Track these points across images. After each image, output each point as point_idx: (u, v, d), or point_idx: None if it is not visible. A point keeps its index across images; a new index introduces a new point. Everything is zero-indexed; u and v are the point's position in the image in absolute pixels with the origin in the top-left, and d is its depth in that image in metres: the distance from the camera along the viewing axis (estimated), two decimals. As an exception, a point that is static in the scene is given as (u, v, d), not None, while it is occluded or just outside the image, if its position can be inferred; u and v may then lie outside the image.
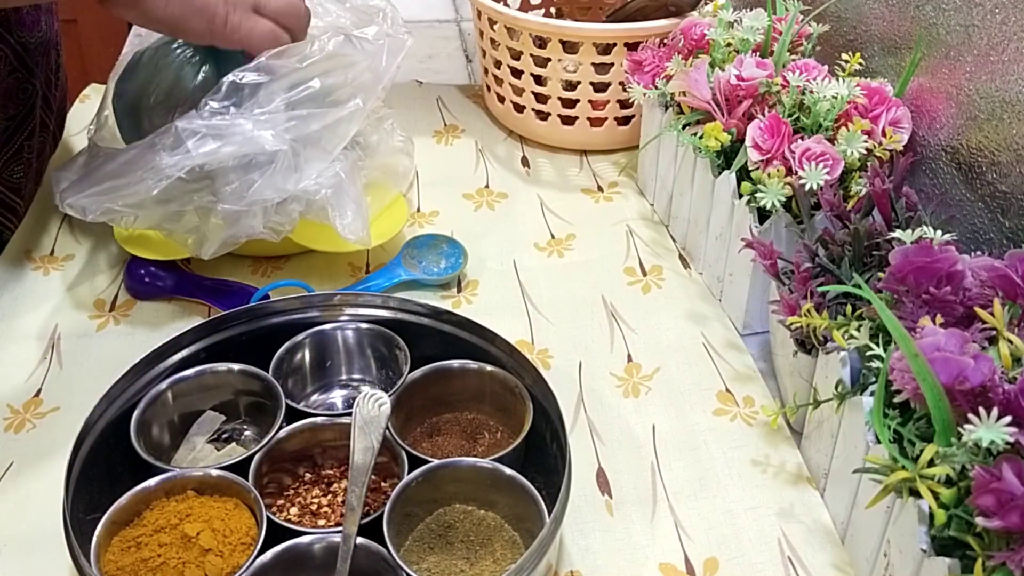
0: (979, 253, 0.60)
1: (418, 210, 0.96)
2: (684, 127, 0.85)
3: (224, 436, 0.68)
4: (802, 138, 0.75)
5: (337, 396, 0.73)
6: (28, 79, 0.90)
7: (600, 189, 1.01)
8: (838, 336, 0.61)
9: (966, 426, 0.48)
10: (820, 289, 0.65)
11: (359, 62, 0.76)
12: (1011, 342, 0.53)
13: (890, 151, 0.77)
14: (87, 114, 1.07)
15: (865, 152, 0.75)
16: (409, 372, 0.68)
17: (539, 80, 1.02)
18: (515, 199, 0.99)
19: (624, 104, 1.02)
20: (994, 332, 0.54)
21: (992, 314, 0.54)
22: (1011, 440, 0.47)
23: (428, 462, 0.61)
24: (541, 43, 1.00)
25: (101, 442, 0.62)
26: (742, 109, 0.81)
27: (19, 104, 0.89)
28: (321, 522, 0.61)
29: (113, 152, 0.74)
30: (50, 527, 0.58)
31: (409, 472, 0.60)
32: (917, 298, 0.57)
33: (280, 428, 0.64)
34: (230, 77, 0.71)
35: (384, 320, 0.72)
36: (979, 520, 0.46)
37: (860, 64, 0.83)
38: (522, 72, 1.03)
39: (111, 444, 0.63)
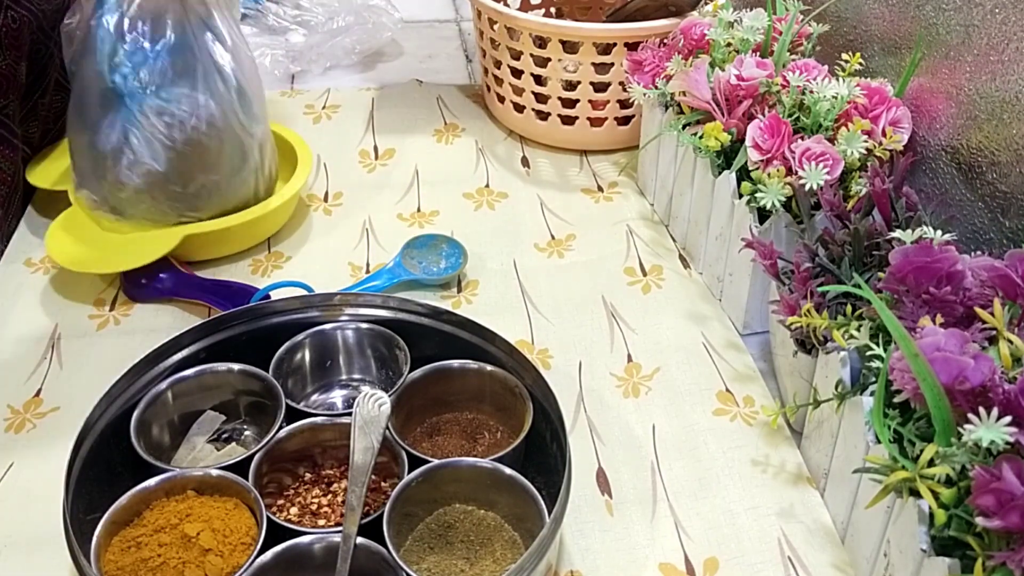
0: (979, 253, 0.60)
1: (418, 210, 0.96)
2: (684, 127, 0.85)
3: (224, 436, 0.68)
4: (802, 138, 0.75)
5: (337, 396, 0.73)
6: (44, 42, 0.95)
7: (600, 189, 1.01)
8: (838, 336, 0.61)
9: (966, 426, 0.48)
10: (820, 289, 0.65)
11: None
12: (1011, 342, 0.53)
13: (890, 151, 0.77)
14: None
15: (865, 152, 0.75)
16: (409, 372, 0.68)
17: (539, 80, 1.02)
18: (515, 199, 0.99)
19: (624, 104, 1.02)
20: (994, 332, 0.54)
21: (992, 314, 0.54)
22: (1011, 440, 0.47)
23: (428, 462, 0.61)
24: (541, 43, 1.00)
25: (101, 442, 0.62)
26: (742, 109, 0.81)
27: (34, 64, 0.94)
28: (321, 522, 0.61)
29: None
30: (50, 527, 0.58)
31: (409, 472, 0.60)
32: (917, 298, 0.57)
33: (280, 428, 0.64)
34: None
35: (384, 320, 0.72)
36: (979, 520, 0.46)
37: (860, 64, 0.83)
38: (522, 72, 1.03)
39: (111, 444, 0.63)
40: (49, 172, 0.92)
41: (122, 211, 0.84)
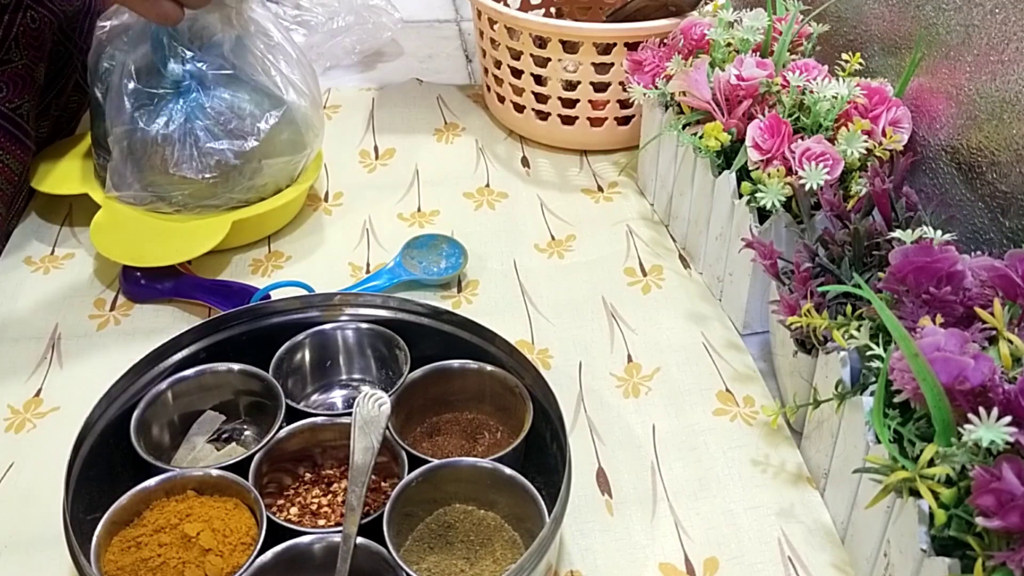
0: (979, 253, 0.60)
1: (418, 209, 0.96)
2: (684, 127, 0.85)
3: (224, 436, 0.68)
4: (802, 138, 0.75)
5: (337, 396, 0.73)
6: (64, 43, 0.96)
7: (600, 189, 1.01)
8: (838, 336, 0.61)
9: (966, 426, 0.48)
10: (820, 289, 0.65)
11: None
12: (1011, 342, 0.53)
13: (890, 151, 0.77)
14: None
15: (865, 152, 0.75)
16: (409, 372, 0.68)
17: (539, 80, 1.02)
18: (515, 199, 0.99)
19: (624, 104, 1.02)
20: (994, 332, 0.54)
21: (992, 314, 0.54)
22: (1011, 440, 0.47)
23: (428, 462, 0.61)
24: (541, 43, 1.00)
25: (101, 442, 0.62)
26: (742, 109, 0.81)
27: (52, 65, 0.95)
28: (321, 522, 0.61)
29: None
30: (50, 527, 0.58)
31: (409, 472, 0.60)
32: (917, 298, 0.57)
33: (280, 428, 0.64)
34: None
35: (384, 320, 0.72)
36: (979, 520, 0.46)
37: (860, 64, 0.83)
38: (522, 72, 1.03)
39: (111, 444, 0.63)
40: (51, 175, 0.91)
41: (183, 204, 0.84)
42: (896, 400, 0.55)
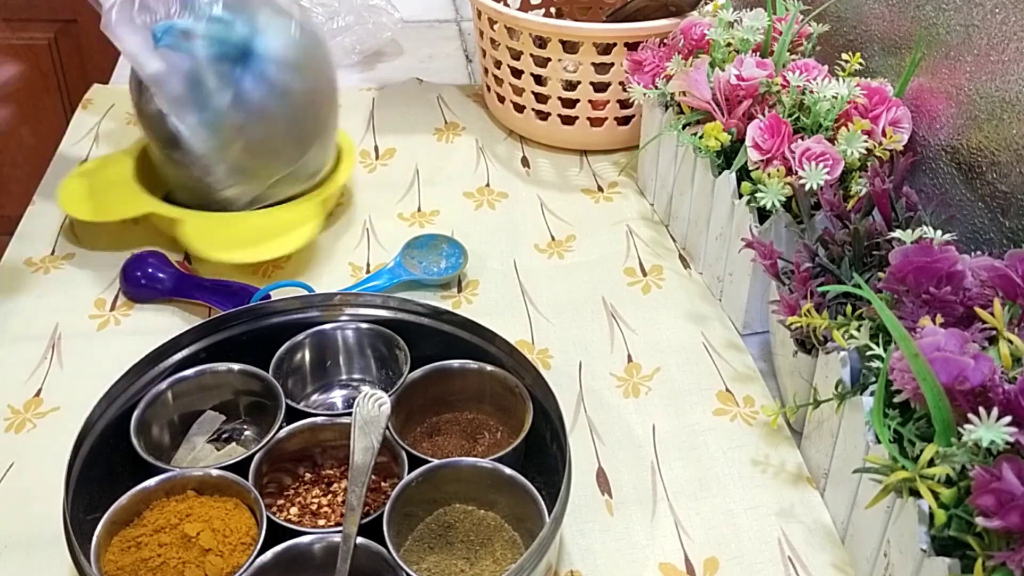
0: (979, 253, 0.60)
1: (418, 209, 0.96)
2: (684, 127, 0.85)
3: (224, 436, 0.68)
4: (802, 138, 0.75)
5: (337, 396, 0.73)
6: None
7: (600, 189, 1.01)
8: (838, 336, 0.61)
9: (966, 426, 0.48)
10: (820, 289, 0.65)
11: None
12: (1011, 342, 0.53)
13: (890, 151, 0.77)
14: (90, 120, 1.07)
15: (865, 152, 0.75)
16: (409, 372, 0.68)
17: (539, 80, 1.02)
18: (515, 199, 0.99)
19: (624, 104, 1.02)
20: (994, 332, 0.54)
21: (992, 314, 0.54)
22: (1011, 440, 0.47)
23: (428, 462, 0.61)
24: (541, 43, 1.00)
25: (101, 442, 0.62)
26: (742, 109, 0.81)
27: None
28: (321, 522, 0.61)
29: None
30: (50, 527, 0.58)
31: (409, 472, 0.60)
32: (917, 298, 0.57)
33: (280, 428, 0.64)
34: None
35: (384, 320, 0.72)
36: (979, 520, 0.46)
37: (860, 64, 0.83)
38: (522, 72, 1.03)
39: (111, 444, 0.63)
40: (80, 197, 0.89)
41: (265, 197, 0.85)
42: (896, 400, 0.55)
